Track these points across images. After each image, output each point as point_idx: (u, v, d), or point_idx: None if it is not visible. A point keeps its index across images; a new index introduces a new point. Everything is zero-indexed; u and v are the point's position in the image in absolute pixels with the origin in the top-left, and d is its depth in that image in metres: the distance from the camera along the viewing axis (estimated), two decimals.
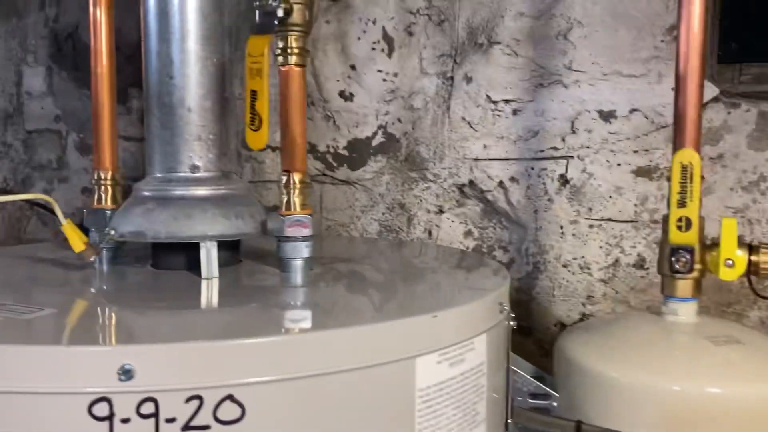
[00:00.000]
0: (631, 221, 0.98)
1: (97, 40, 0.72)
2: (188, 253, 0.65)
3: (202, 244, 0.61)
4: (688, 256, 0.63)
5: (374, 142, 1.12)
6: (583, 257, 1.00)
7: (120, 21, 0.81)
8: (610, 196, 0.98)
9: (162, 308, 0.55)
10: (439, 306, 0.53)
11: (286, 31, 0.61)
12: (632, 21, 0.95)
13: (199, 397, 0.41)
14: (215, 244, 0.62)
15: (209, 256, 0.61)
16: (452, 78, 1.06)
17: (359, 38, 1.10)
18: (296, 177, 0.64)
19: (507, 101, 1.02)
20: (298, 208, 0.64)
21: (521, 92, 1.01)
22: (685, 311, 0.66)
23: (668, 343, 0.64)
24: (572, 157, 1.00)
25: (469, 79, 1.04)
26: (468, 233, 1.08)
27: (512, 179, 1.04)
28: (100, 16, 0.72)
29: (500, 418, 0.59)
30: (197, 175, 0.66)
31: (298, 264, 0.64)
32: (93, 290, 0.63)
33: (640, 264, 0.98)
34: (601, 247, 0.99)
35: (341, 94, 1.13)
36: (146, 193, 0.66)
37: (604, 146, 0.98)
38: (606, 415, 0.60)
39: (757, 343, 0.65)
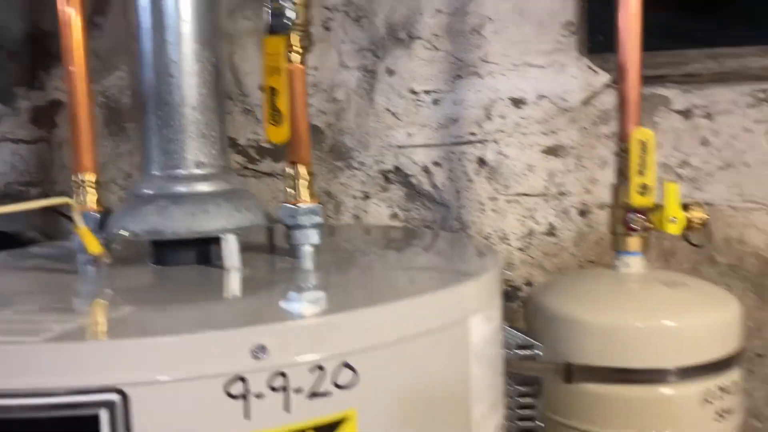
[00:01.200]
0: (542, 195, 1.11)
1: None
2: (197, 248, 0.67)
3: (223, 237, 0.64)
4: (644, 217, 0.76)
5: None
6: (502, 229, 1.12)
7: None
8: (524, 174, 1.11)
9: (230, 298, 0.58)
10: (465, 276, 0.60)
11: (292, 31, 0.64)
12: (536, 17, 1.07)
13: (320, 367, 0.46)
14: (235, 236, 0.64)
15: (230, 248, 0.64)
16: (374, 71, 1.13)
17: None
18: (302, 168, 0.68)
19: (428, 92, 1.11)
20: (308, 197, 0.68)
21: (441, 83, 1.11)
22: (636, 264, 0.79)
23: (627, 289, 0.77)
24: (489, 140, 1.11)
25: (391, 72, 1.12)
26: (393, 215, 1.16)
27: (435, 163, 1.13)
28: None
29: (503, 368, 0.68)
30: (203, 171, 0.67)
31: (309, 250, 0.68)
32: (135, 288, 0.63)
33: (551, 232, 1.11)
34: (517, 219, 1.12)
35: (261, 88, 1.15)
36: (150, 192, 0.66)
37: (516, 130, 1.10)
38: (584, 354, 0.72)
39: (699, 285, 0.80)
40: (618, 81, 0.81)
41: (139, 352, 0.42)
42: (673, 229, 0.74)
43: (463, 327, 0.55)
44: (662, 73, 1.18)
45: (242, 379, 0.44)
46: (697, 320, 0.72)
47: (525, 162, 1.10)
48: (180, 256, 0.67)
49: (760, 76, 1.10)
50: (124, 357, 0.42)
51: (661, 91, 1.08)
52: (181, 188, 0.66)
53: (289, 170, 0.68)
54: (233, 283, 0.62)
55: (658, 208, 0.75)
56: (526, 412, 0.74)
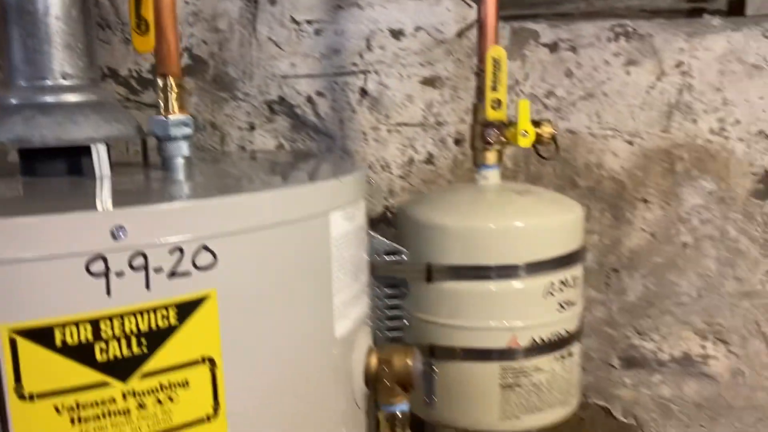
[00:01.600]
0: (421, 124, 1.16)
1: None
2: (67, 159, 0.68)
3: (93, 146, 0.65)
4: (498, 131, 0.82)
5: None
6: (384, 158, 1.17)
7: None
8: (403, 104, 1.15)
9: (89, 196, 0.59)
10: (328, 176, 0.64)
11: None
12: None
13: (180, 249, 0.49)
14: (105, 146, 0.66)
15: (101, 157, 0.65)
16: (256, 1, 1.14)
17: None
18: (173, 80, 0.70)
19: (310, 22, 1.13)
20: (177, 110, 0.70)
21: (322, 14, 1.13)
22: (492, 176, 0.86)
23: (483, 197, 0.84)
24: (370, 71, 1.15)
25: (272, 2, 1.13)
26: (279, 146, 1.19)
27: (318, 94, 1.16)
28: None
29: (367, 267, 0.73)
30: (70, 83, 0.68)
31: (180, 162, 0.70)
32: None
33: (429, 160, 1.17)
34: (398, 148, 1.17)
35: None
36: (16, 102, 0.66)
37: (395, 61, 1.14)
38: (444, 255, 0.78)
39: (545, 193, 0.88)
40: (478, 9, 0.86)
41: (3, 230, 0.44)
42: (524, 142, 0.80)
43: (324, 221, 0.59)
44: (537, 12, 1.26)
45: (103, 258, 0.46)
46: (543, 222, 0.80)
47: (404, 92, 1.15)
48: (50, 167, 0.68)
49: (619, 14, 1.19)
50: None
51: (531, 25, 1.15)
52: (48, 98, 0.66)
53: (159, 82, 0.69)
54: (103, 189, 0.63)
55: (511, 124, 0.82)
56: (395, 312, 0.80)
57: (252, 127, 1.18)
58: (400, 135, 1.17)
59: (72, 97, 0.67)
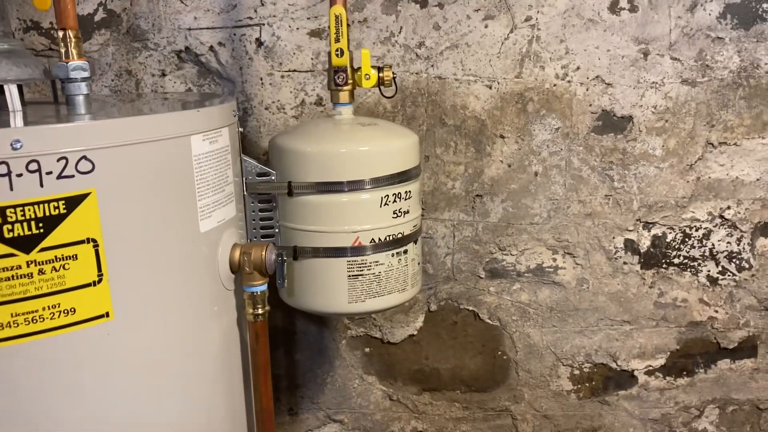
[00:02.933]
0: (310, 71, 1.34)
1: None
2: None
3: (6, 86, 0.82)
4: (344, 74, 1.01)
5: (96, 18, 1.32)
6: (278, 100, 1.35)
7: None
8: (294, 53, 1.33)
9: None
10: (199, 107, 0.83)
11: None
12: None
13: (65, 158, 0.67)
14: (16, 85, 0.83)
15: (12, 95, 0.82)
16: None
17: None
18: (71, 33, 0.86)
19: None
20: (75, 57, 0.87)
21: None
22: (345, 111, 1.05)
23: (337, 128, 1.03)
24: (264, 24, 1.32)
25: None
26: (188, 90, 1.36)
27: (220, 44, 1.33)
28: None
29: (240, 189, 0.93)
30: None
31: (81, 98, 0.87)
32: None
33: (318, 102, 1.36)
34: (291, 92, 1.35)
35: None
36: None
37: (286, 15, 1.31)
38: (304, 174, 0.97)
39: (388, 125, 1.08)
40: None
41: None
42: (367, 84, 1.00)
43: (185, 141, 0.78)
44: None
45: (6, 163, 0.64)
46: (383, 145, 1.00)
47: (295, 43, 1.33)
48: None
49: None
50: None
51: None
52: None
53: (59, 34, 0.86)
54: (15, 119, 0.81)
55: (358, 69, 1.01)
56: (266, 222, 0.99)
57: (163, 74, 1.35)
58: (292, 80, 1.35)
59: None
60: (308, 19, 1.31)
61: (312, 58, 1.33)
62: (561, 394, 1.51)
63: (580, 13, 1.32)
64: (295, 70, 1.34)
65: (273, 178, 0.97)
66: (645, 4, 1.31)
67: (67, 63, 0.86)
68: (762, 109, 1.34)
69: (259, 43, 1.32)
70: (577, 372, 1.50)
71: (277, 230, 1.01)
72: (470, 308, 1.47)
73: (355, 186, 0.97)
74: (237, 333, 0.90)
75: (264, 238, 1.01)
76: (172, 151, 0.77)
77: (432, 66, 1.34)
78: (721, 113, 1.35)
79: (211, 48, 1.33)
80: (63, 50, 0.86)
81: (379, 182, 0.98)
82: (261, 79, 1.34)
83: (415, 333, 1.48)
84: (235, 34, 1.32)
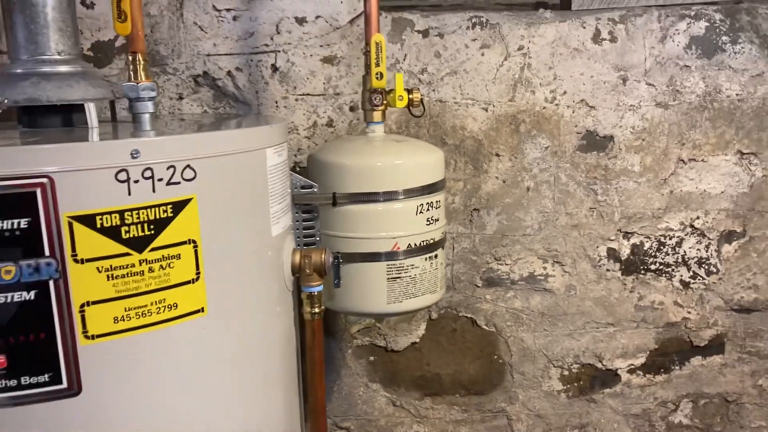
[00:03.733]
0: (322, 95, 1.44)
1: None
2: (61, 114, 0.91)
3: (86, 105, 0.88)
4: (380, 96, 1.11)
5: (117, 44, 1.38)
6: (292, 122, 1.44)
7: None
8: (307, 78, 1.42)
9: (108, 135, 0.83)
10: (263, 124, 0.91)
11: None
12: None
13: (173, 167, 0.74)
14: (95, 104, 0.89)
15: (91, 113, 0.89)
16: None
17: None
18: (140, 56, 0.94)
19: (228, 10, 1.38)
20: (144, 78, 0.94)
21: (239, 3, 1.38)
22: (378, 129, 1.15)
23: (372, 144, 1.13)
24: (279, 51, 1.40)
25: None
26: (204, 112, 1.43)
27: (237, 69, 1.41)
28: None
29: (291, 195, 1.01)
30: (63, 57, 0.90)
31: (148, 116, 0.94)
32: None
33: (330, 124, 1.45)
34: (304, 114, 1.44)
35: (83, 2, 1.35)
36: (21, 71, 0.88)
37: (300, 43, 1.41)
38: (345, 186, 1.06)
39: (416, 142, 1.18)
40: (364, 4, 1.14)
41: (68, 151, 0.68)
42: (400, 104, 1.10)
43: (262, 153, 0.86)
44: (413, 3, 1.56)
45: (126, 171, 0.71)
46: (414, 160, 1.10)
47: (308, 69, 1.42)
48: (49, 120, 0.90)
49: (478, 7, 1.51)
50: (55, 154, 0.68)
51: (407, 15, 1.44)
52: (48, 69, 0.89)
53: (130, 58, 0.93)
54: (97, 134, 0.87)
55: (391, 91, 1.11)
56: (309, 231, 1.08)
57: (180, 97, 1.41)
58: (305, 103, 1.43)
59: (65, 68, 0.90)
60: (321, 47, 1.41)
61: (324, 83, 1.43)
62: (552, 394, 1.62)
63: (567, 43, 1.46)
64: (308, 94, 1.43)
65: (315, 190, 1.06)
66: (623, 36, 1.46)
67: (137, 83, 0.93)
68: (725, 129, 1.51)
69: (275, 68, 1.41)
70: (566, 372, 1.61)
71: (318, 238, 1.09)
72: (468, 315, 1.57)
73: (391, 196, 1.06)
74: (293, 332, 0.97)
75: (306, 246, 1.08)
76: (252, 161, 0.84)
77: (433, 90, 1.46)
78: (690, 133, 1.51)
79: (229, 73, 1.40)
80: (132, 72, 0.93)
81: (413, 192, 1.07)
82: (276, 102, 1.42)
83: (418, 341, 1.58)
84: (252, 60, 1.40)
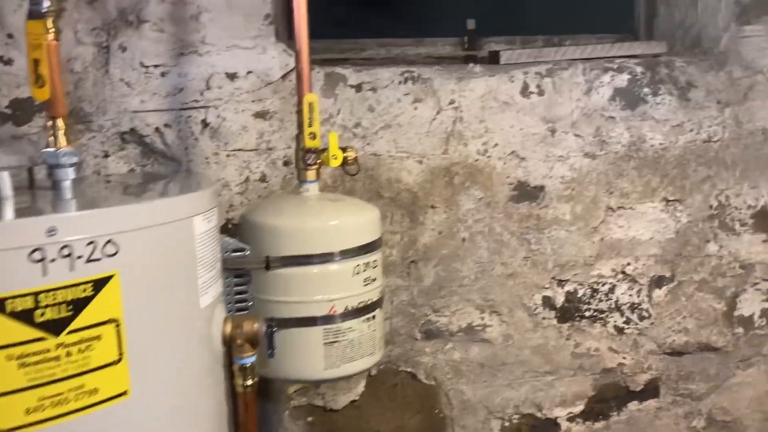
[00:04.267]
0: (254, 150, 1.41)
1: None
2: None
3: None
4: (314, 155, 1.09)
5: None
6: (224, 178, 1.41)
7: None
8: (239, 133, 1.40)
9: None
10: (192, 190, 0.88)
11: (47, 15, 0.86)
12: (242, 10, 1.36)
13: (93, 242, 0.71)
14: (8, 174, 0.84)
15: (4, 183, 0.84)
16: (108, 47, 1.33)
17: (15, 11, 1.29)
18: (60, 122, 0.90)
19: (156, 66, 1.35)
20: (65, 143, 0.90)
21: (167, 59, 1.35)
22: (312, 188, 1.13)
23: (306, 204, 1.11)
24: (210, 106, 1.38)
25: (124, 49, 1.33)
26: (131, 170, 1.38)
27: (166, 125, 1.37)
28: None
29: (221, 260, 0.97)
30: None
31: (68, 183, 0.89)
32: None
33: (263, 179, 1.42)
34: (236, 169, 1.41)
35: (0, 59, 1.29)
36: None
37: (231, 98, 1.38)
38: (278, 249, 1.04)
39: (351, 200, 1.17)
40: (296, 61, 1.14)
41: None
42: (334, 163, 1.09)
43: (190, 222, 0.83)
44: (346, 56, 1.56)
45: (41, 250, 0.67)
46: (349, 220, 1.09)
47: (240, 124, 1.40)
48: None
49: (410, 61, 1.52)
50: None
51: (340, 70, 1.44)
52: None
53: (49, 123, 0.89)
54: (11, 208, 0.82)
55: (324, 150, 1.10)
56: (241, 296, 1.04)
57: (106, 155, 1.37)
58: (237, 159, 1.41)
59: None
60: (253, 102, 1.39)
61: (257, 138, 1.41)
62: None
63: (497, 96, 1.49)
64: (240, 149, 1.40)
65: (247, 253, 1.03)
66: (550, 89, 1.50)
67: (57, 150, 0.88)
68: (650, 177, 1.56)
69: (205, 124, 1.38)
70: (507, 423, 1.61)
71: (251, 303, 1.06)
72: (408, 370, 1.55)
73: (327, 258, 1.04)
74: (225, 405, 0.93)
75: (238, 312, 1.05)
76: (179, 231, 0.81)
77: (368, 144, 1.45)
78: (618, 181, 1.55)
79: (157, 129, 1.37)
80: (53, 138, 0.89)
81: (349, 253, 1.06)
82: (206, 158, 1.39)
83: (357, 398, 1.54)
84: (181, 116, 1.37)
